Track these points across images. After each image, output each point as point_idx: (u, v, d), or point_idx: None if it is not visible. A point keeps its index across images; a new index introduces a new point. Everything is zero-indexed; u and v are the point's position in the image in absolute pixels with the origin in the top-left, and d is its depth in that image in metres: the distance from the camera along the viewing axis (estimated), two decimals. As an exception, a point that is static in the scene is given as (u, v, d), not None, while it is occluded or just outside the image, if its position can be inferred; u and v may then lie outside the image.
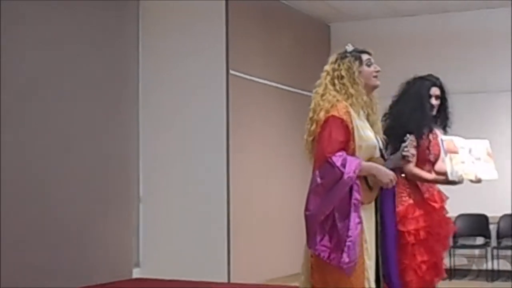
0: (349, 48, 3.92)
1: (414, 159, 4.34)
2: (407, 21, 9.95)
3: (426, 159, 4.52)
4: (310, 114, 3.80)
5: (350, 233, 3.57)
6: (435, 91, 4.61)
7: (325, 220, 3.61)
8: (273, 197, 8.61)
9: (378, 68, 3.90)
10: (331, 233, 3.61)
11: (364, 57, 3.90)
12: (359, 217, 3.63)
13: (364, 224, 3.71)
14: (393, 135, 4.18)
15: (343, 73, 3.82)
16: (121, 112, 7.67)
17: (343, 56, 3.88)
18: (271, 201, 8.54)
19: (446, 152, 4.26)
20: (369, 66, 3.89)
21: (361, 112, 3.82)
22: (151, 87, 7.95)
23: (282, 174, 8.79)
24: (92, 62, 7.24)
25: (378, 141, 3.87)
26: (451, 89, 4.69)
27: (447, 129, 4.64)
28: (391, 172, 3.75)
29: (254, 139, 8.33)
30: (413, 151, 4.05)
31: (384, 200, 3.91)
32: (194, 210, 7.73)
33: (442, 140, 4.32)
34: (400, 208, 4.35)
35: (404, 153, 3.91)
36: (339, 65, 3.85)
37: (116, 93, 7.58)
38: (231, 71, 7.84)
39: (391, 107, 4.58)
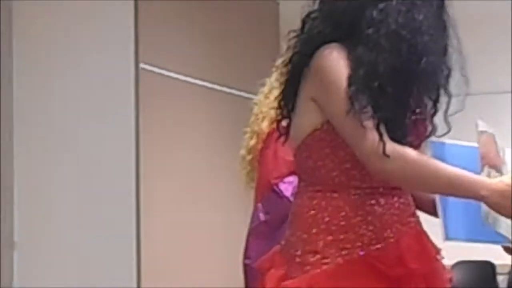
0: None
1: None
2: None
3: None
4: (251, 122, 3.57)
5: None
6: None
7: None
8: (197, 240, 7.72)
9: None
10: None
11: None
12: None
13: None
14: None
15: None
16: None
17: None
18: (194, 246, 7.66)
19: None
20: None
21: None
22: (27, 90, 7.12)
23: (213, 213, 7.92)
24: None
25: None
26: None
27: None
28: None
29: (173, 163, 7.57)
30: None
31: None
32: (91, 256, 6.82)
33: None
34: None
35: None
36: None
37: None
38: (142, 65, 7.12)
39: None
